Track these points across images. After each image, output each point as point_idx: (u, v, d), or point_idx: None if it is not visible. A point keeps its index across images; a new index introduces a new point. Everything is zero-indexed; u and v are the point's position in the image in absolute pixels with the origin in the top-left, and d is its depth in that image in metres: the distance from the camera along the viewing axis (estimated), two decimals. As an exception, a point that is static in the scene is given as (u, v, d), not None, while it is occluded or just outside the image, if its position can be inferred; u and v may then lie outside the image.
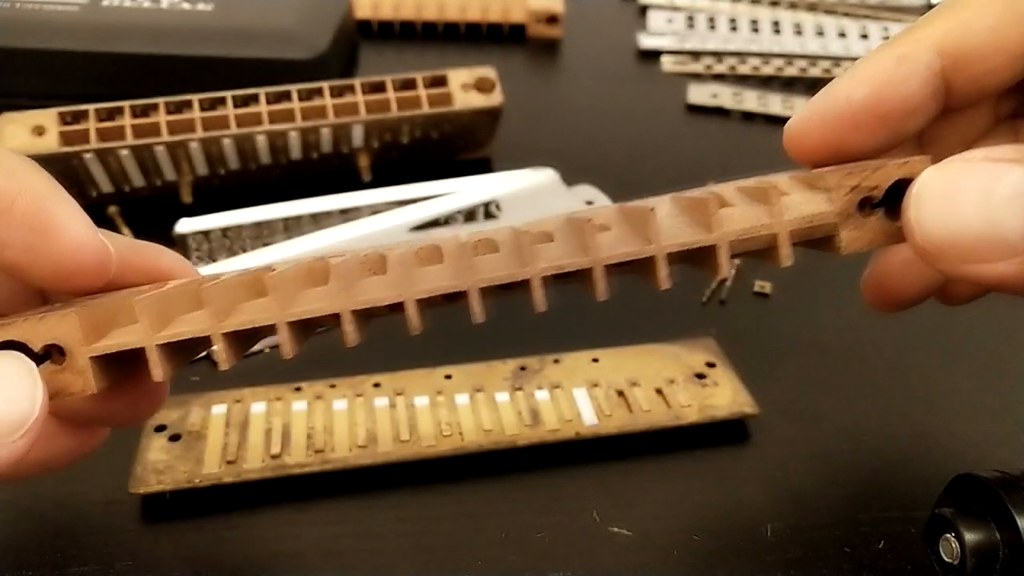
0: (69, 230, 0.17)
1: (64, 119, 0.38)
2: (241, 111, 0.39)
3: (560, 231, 0.19)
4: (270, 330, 0.18)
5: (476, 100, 0.42)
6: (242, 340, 0.18)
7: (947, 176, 0.17)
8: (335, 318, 0.18)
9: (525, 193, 0.39)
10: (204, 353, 0.32)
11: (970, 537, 0.22)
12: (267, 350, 0.33)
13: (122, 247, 0.19)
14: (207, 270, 0.33)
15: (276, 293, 0.17)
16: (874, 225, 0.18)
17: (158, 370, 0.17)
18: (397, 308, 0.18)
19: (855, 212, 0.18)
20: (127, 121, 0.38)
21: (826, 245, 0.18)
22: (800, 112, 0.21)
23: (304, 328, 0.18)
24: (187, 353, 0.19)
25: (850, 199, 0.17)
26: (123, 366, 0.19)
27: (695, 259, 0.18)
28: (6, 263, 0.17)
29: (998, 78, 0.20)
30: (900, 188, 0.18)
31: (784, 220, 0.17)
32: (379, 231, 0.36)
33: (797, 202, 0.18)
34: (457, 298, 0.17)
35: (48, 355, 0.17)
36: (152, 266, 0.20)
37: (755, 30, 0.57)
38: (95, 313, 0.17)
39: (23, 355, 0.16)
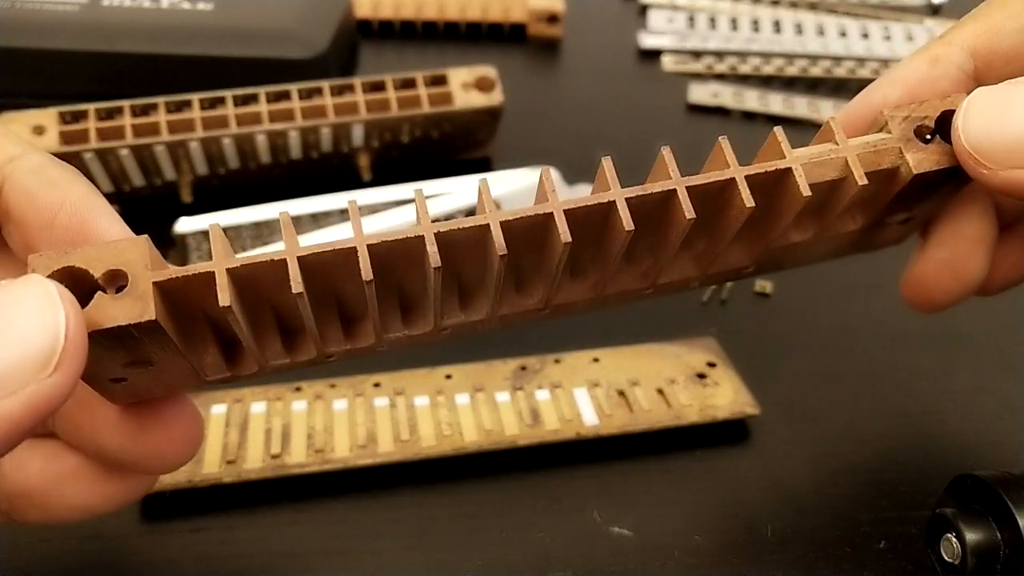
0: None
1: (64, 119, 0.38)
2: (241, 110, 0.39)
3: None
4: (348, 261, 0.18)
5: (476, 99, 0.42)
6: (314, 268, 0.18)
7: (997, 90, 0.19)
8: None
9: (525, 192, 0.39)
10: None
11: (971, 537, 0.22)
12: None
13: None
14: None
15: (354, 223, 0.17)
16: (935, 148, 0.19)
17: (225, 294, 0.16)
18: None
19: (914, 138, 0.19)
20: (127, 121, 0.38)
21: (895, 178, 0.20)
22: (839, 113, 0.22)
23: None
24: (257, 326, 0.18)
25: (905, 127, 0.19)
26: (156, 407, 0.18)
27: (771, 191, 0.19)
28: None
29: None
30: (949, 120, 0.19)
31: (850, 145, 0.19)
32: (379, 231, 0.36)
33: (857, 137, 0.19)
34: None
35: (103, 289, 0.15)
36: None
37: (756, 29, 0.57)
38: (158, 261, 0.16)
39: (44, 278, 0.14)
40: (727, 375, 0.30)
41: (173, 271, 0.16)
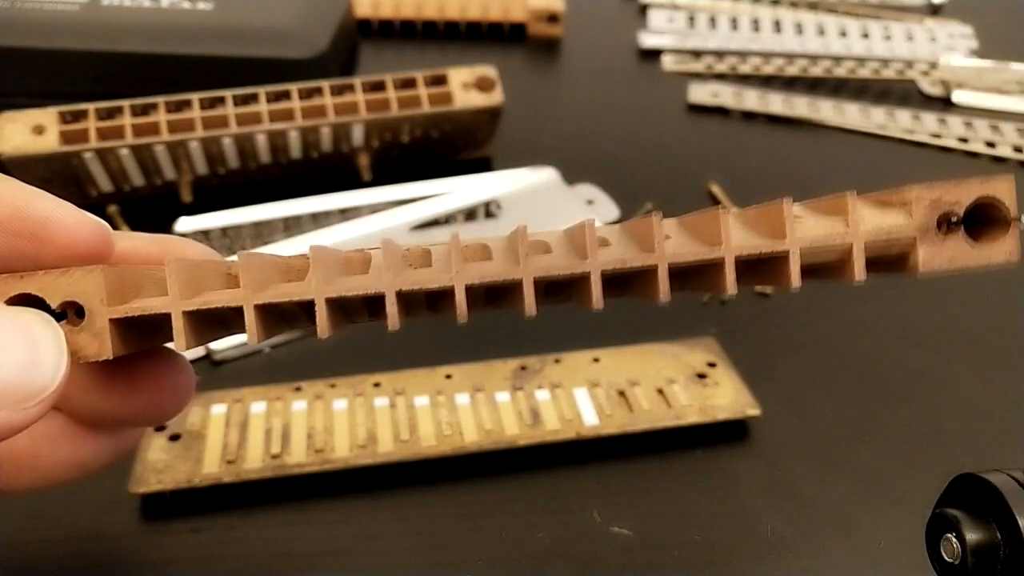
0: (60, 223, 0.16)
1: (64, 118, 0.38)
2: (241, 110, 0.39)
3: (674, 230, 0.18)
4: (299, 317, 0.17)
5: (476, 99, 0.42)
6: (274, 319, 0.17)
7: None
8: (368, 309, 0.17)
9: (525, 192, 0.39)
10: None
11: (971, 537, 0.22)
12: (267, 349, 0.33)
13: (145, 243, 0.19)
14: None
15: (316, 270, 0.16)
16: (953, 244, 0.17)
17: (182, 340, 0.16)
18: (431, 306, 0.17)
19: (933, 229, 0.17)
20: (127, 120, 0.38)
21: (899, 266, 0.17)
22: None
23: (341, 310, 0.17)
24: (212, 332, 0.18)
25: (929, 214, 0.17)
26: (142, 362, 0.18)
27: (761, 269, 0.18)
28: (6, 270, 0.16)
29: None
30: (980, 208, 0.17)
31: (861, 231, 0.16)
32: (379, 231, 0.36)
33: (871, 216, 0.17)
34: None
35: (64, 314, 0.15)
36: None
37: (756, 29, 0.57)
38: (121, 278, 0.16)
39: (51, 318, 0.15)
40: (727, 375, 0.30)
41: (129, 308, 0.16)
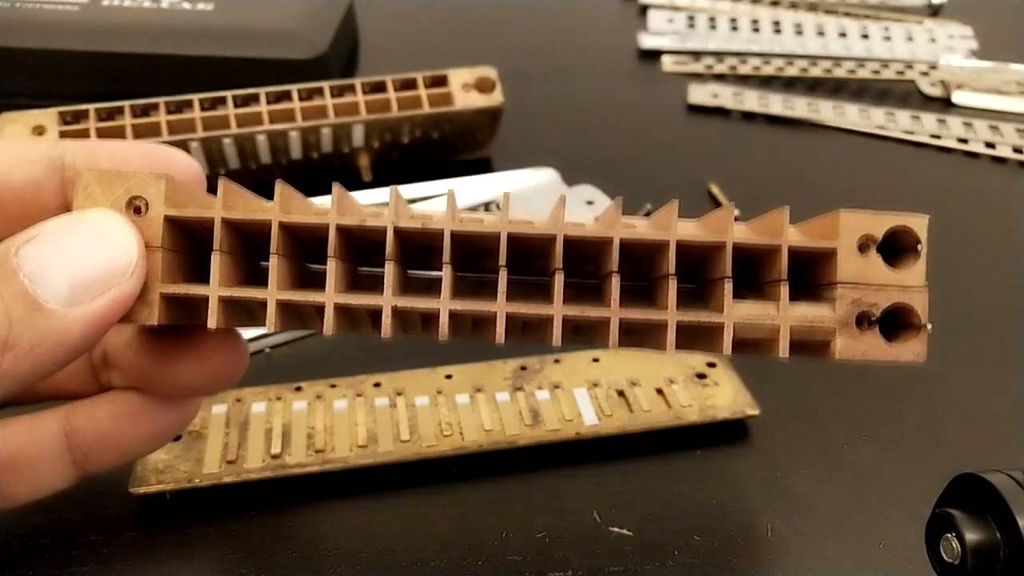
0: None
1: (64, 119, 0.38)
2: (241, 111, 0.39)
3: None
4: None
5: (477, 100, 0.42)
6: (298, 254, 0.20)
7: None
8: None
9: (525, 193, 0.39)
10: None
11: (971, 537, 0.22)
12: (267, 349, 0.33)
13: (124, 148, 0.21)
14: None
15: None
16: (868, 340, 0.19)
17: (217, 258, 0.18)
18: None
19: (852, 323, 0.19)
20: (127, 121, 0.38)
21: (821, 350, 0.19)
22: None
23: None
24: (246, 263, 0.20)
25: (850, 310, 0.19)
26: (207, 336, 0.20)
27: (697, 335, 0.20)
28: None
29: None
30: (897, 311, 0.19)
31: (788, 315, 0.19)
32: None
33: (802, 305, 0.19)
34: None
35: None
36: (163, 165, 0.21)
37: (756, 30, 0.57)
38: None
39: (118, 213, 0.18)
40: (727, 375, 0.30)
41: (181, 211, 0.18)
